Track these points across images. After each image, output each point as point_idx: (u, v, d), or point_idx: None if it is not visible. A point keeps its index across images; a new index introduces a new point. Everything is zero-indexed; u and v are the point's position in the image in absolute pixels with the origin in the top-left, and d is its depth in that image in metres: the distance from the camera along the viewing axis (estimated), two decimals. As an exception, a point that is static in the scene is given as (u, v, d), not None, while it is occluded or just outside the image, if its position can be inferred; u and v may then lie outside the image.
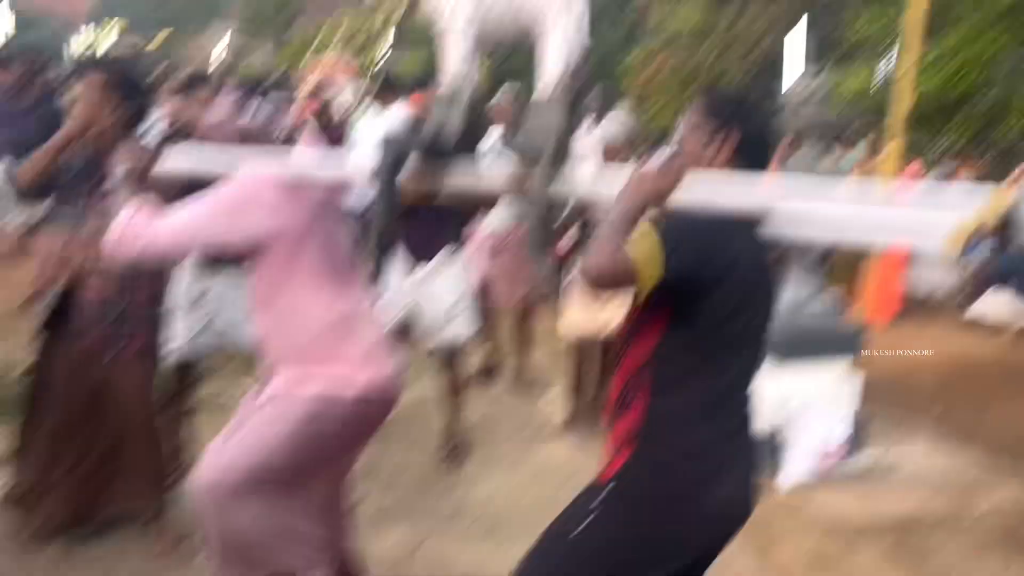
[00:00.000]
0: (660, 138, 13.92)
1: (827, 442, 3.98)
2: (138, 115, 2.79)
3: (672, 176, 1.68)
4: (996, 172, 10.74)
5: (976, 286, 7.52)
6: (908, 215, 1.60)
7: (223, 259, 2.96)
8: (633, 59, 15.40)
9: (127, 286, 2.85)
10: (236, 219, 2.11)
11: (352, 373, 2.17)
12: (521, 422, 4.63)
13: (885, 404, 4.71)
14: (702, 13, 14.27)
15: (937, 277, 7.86)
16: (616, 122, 4.85)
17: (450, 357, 4.03)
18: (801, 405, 3.97)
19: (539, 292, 4.76)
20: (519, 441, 4.36)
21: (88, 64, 4.05)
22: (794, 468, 3.96)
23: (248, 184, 2.15)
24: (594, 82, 5.44)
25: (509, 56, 11.57)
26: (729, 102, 1.85)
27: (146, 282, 2.91)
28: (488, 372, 5.27)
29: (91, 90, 2.71)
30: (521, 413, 4.79)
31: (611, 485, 1.77)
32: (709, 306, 1.69)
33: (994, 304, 7.32)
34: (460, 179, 1.98)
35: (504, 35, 1.65)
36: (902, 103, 5.59)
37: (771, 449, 3.93)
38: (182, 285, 3.32)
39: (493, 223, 4.87)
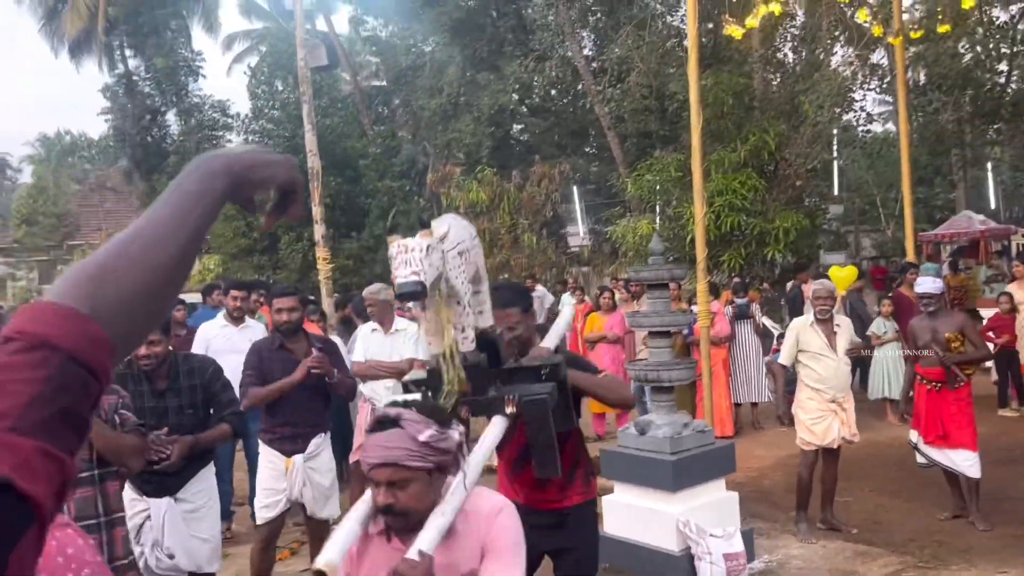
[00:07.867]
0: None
1: (730, 554, 4.30)
2: None
3: None
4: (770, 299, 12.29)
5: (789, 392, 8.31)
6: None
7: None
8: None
9: None
10: None
11: None
12: None
13: (750, 510, 5.17)
14: (489, 188, 15.57)
15: (753, 388, 8.58)
16: None
17: None
18: (697, 526, 4.31)
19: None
20: None
21: None
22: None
23: None
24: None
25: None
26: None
27: None
28: None
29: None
30: None
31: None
32: None
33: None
34: None
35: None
36: (701, 241, 6.44)
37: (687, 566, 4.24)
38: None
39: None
